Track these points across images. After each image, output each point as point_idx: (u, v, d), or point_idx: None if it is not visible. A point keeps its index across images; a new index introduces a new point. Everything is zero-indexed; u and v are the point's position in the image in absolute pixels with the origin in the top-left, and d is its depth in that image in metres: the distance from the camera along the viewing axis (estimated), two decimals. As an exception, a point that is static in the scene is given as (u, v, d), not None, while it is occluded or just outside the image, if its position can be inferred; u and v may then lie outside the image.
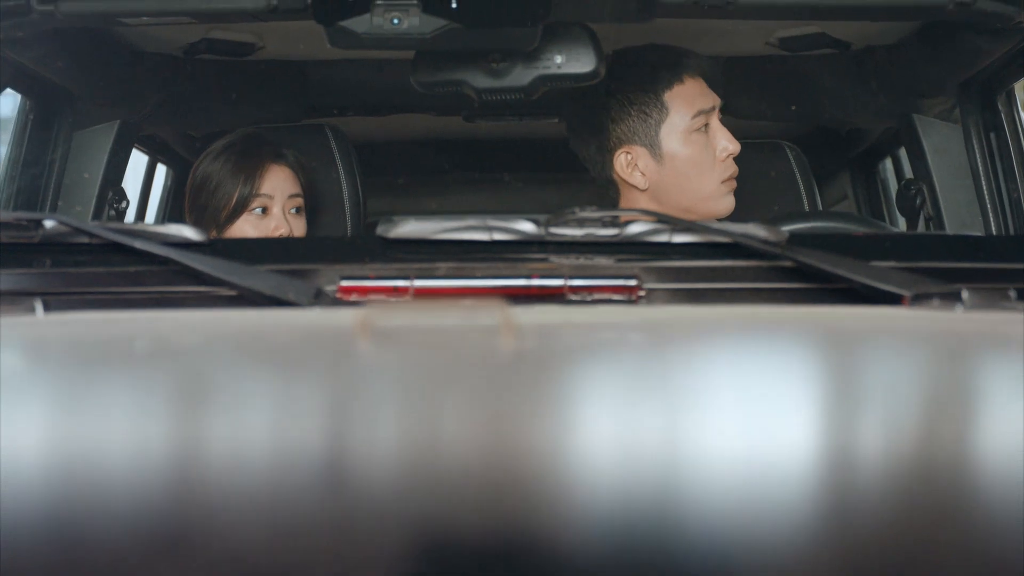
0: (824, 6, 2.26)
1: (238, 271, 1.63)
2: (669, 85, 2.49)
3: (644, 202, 2.53)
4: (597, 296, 1.69)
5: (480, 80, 2.28)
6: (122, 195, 3.03)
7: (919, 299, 1.45)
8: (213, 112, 3.28)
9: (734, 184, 2.55)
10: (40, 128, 2.85)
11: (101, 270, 1.73)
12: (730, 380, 0.99)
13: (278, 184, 2.68)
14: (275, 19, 2.23)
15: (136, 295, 1.71)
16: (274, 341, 1.24)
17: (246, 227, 2.64)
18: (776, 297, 1.69)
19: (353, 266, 1.73)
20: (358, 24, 2.01)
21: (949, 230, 2.96)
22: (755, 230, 1.74)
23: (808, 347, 1.23)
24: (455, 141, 4.02)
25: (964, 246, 1.89)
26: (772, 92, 3.17)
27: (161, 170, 3.96)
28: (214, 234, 2.65)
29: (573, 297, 1.69)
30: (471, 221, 1.75)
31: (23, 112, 2.84)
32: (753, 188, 3.04)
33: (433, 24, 1.99)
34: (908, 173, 3.35)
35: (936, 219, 2.99)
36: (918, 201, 2.99)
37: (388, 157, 4.05)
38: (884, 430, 0.91)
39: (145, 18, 2.29)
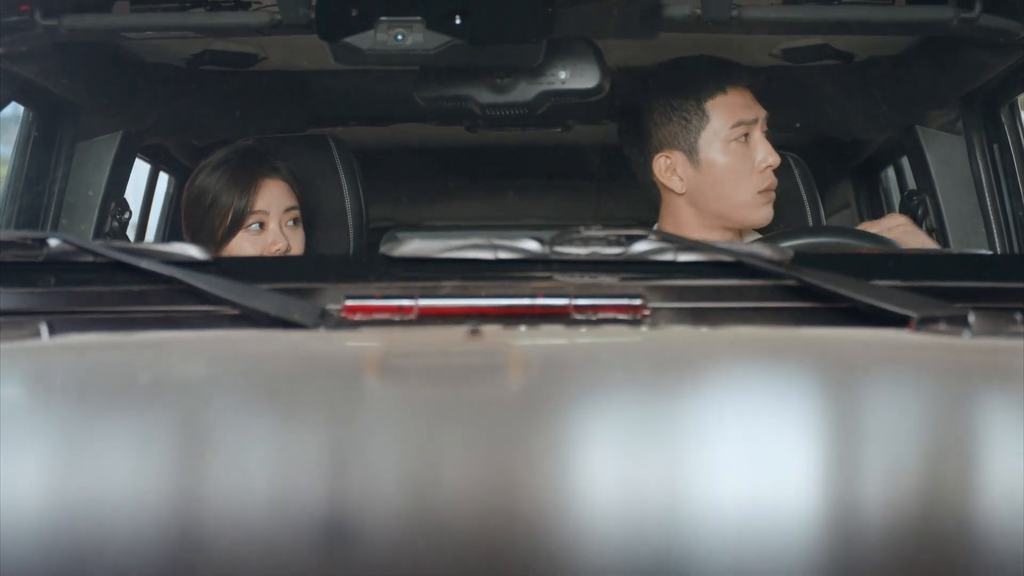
0: (827, 21, 2.26)
1: (243, 291, 1.63)
2: (712, 94, 2.51)
3: (683, 207, 2.58)
4: (602, 316, 1.69)
5: (484, 95, 2.28)
6: (125, 206, 3.03)
7: (925, 322, 1.45)
8: (216, 123, 3.28)
9: (772, 195, 2.57)
10: (43, 139, 2.85)
11: (105, 289, 1.73)
12: (734, 418, 0.99)
13: (273, 199, 2.67)
14: (278, 33, 2.23)
15: (140, 314, 1.71)
16: (279, 373, 1.24)
17: (244, 244, 2.64)
18: (782, 317, 1.69)
19: (357, 285, 1.73)
20: (362, 40, 2.01)
21: (952, 241, 2.96)
22: (760, 249, 1.74)
23: (814, 379, 1.22)
24: (457, 149, 4.02)
25: (970, 265, 1.89)
26: (775, 103, 3.17)
27: (163, 178, 3.95)
28: (212, 251, 2.63)
29: (578, 317, 1.68)
30: (476, 239, 1.74)
31: (26, 124, 2.84)
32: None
33: (437, 40, 1.99)
34: (911, 181, 3.35)
35: (939, 231, 2.99)
36: (920, 212, 2.99)
37: (390, 164, 4.05)
38: (888, 468, 0.91)
39: (149, 32, 2.29)
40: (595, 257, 1.73)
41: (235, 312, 1.64)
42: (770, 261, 1.70)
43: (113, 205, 2.98)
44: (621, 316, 1.69)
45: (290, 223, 2.69)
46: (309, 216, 2.83)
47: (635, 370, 1.19)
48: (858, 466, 0.92)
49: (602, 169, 4.33)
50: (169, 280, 1.67)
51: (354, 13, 2.03)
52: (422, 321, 1.69)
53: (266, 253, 2.63)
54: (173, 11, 2.22)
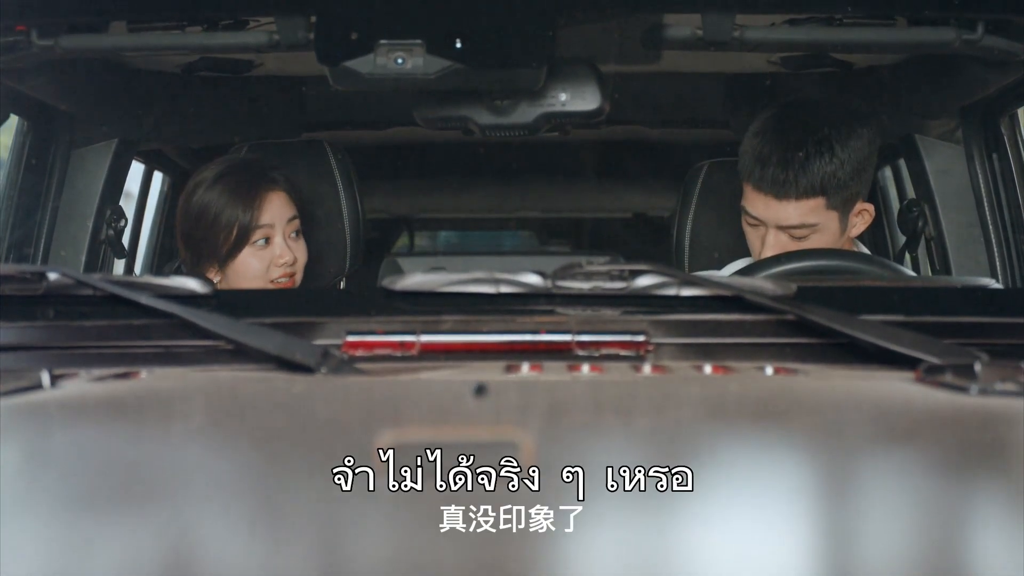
0: (829, 41, 2.24)
1: (244, 330, 1.62)
2: (743, 174, 2.52)
3: None
4: (605, 352, 1.68)
5: (484, 117, 2.27)
6: (120, 214, 3.01)
7: (931, 372, 1.44)
8: (212, 129, 3.26)
9: None
10: (38, 148, 2.83)
11: (104, 323, 1.72)
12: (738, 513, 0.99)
13: (276, 211, 2.66)
14: (277, 51, 2.21)
15: (140, 349, 1.70)
16: (280, 431, 1.23)
17: (250, 259, 2.62)
18: (785, 353, 1.69)
19: (358, 320, 1.72)
20: (362, 64, 1.99)
21: (951, 251, 2.95)
22: (763, 284, 1.73)
23: (814, 445, 1.22)
24: (453, 145, 4.01)
25: (975, 299, 1.88)
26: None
27: (157, 176, 3.93)
28: (215, 269, 2.63)
29: (580, 353, 1.68)
30: (477, 274, 1.74)
31: (21, 133, 2.82)
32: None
33: (437, 65, 1.97)
34: (907, 179, 3.33)
35: (937, 239, 2.98)
36: (920, 224, 2.98)
37: (386, 160, 4.04)
38: (888, 539, 0.91)
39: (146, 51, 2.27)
40: (597, 291, 1.72)
41: (236, 347, 1.64)
42: (773, 297, 1.69)
43: (109, 212, 2.96)
44: (624, 352, 1.69)
45: (293, 234, 2.69)
46: (307, 223, 2.82)
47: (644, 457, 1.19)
48: (855, 537, 0.92)
49: (595, 165, 4.34)
50: (169, 315, 1.67)
51: (353, 36, 2.01)
52: (423, 357, 1.69)
53: (273, 267, 2.63)
54: (170, 31, 2.20)
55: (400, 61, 1.98)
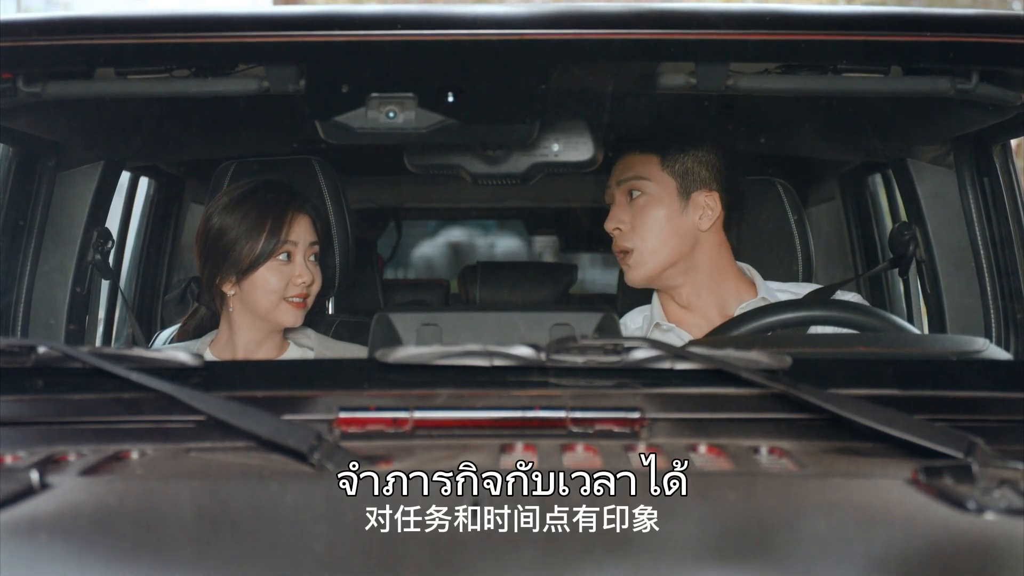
0: (823, 90, 2.22)
1: (235, 410, 1.60)
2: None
3: None
4: (600, 428, 1.68)
5: (476, 166, 2.25)
6: (107, 236, 2.98)
7: (929, 474, 1.44)
8: (199, 147, 3.24)
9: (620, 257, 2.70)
10: (23, 172, 2.79)
11: (93, 397, 1.71)
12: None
13: (301, 232, 2.70)
14: (266, 95, 2.18)
15: (129, 425, 1.69)
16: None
17: (269, 275, 2.65)
18: (780, 428, 1.68)
19: (351, 394, 1.71)
20: (353, 119, 1.97)
21: (941, 274, 2.94)
22: (757, 357, 1.72)
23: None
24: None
25: (971, 372, 1.87)
26: (766, 128, 3.14)
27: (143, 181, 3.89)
28: (232, 281, 2.66)
29: (575, 429, 1.67)
30: (471, 347, 1.72)
31: (5, 158, 2.78)
32: (746, 226, 3.03)
33: (429, 119, 1.95)
34: (895, 181, 3.31)
35: (928, 263, 2.97)
36: (911, 246, 2.97)
37: (371, 150, 4.02)
38: None
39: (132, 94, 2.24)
40: (591, 365, 1.71)
41: (226, 425, 1.62)
42: (769, 372, 1.69)
43: (96, 235, 2.93)
44: (618, 429, 1.68)
45: (312, 258, 2.73)
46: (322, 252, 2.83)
47: None
48: None
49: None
50: (158, 391, 1.65)
51: (344, 89, 1.99)
52: (416, 434, 1.68)
53: (291, 285, 2.66)
54: (159, 77, 2.17)
55: (392, 115, 1.96)
